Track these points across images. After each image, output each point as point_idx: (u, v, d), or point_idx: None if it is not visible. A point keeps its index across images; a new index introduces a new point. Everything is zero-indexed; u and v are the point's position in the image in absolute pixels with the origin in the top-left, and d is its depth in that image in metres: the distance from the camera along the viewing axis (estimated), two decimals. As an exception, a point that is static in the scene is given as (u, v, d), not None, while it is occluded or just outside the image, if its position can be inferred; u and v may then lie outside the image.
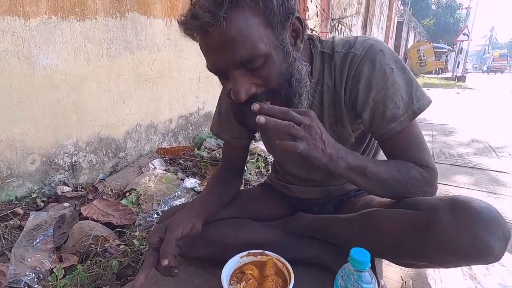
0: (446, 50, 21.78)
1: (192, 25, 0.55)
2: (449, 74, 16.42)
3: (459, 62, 14.11)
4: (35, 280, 0.88)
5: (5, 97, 1.32)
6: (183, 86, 2.31)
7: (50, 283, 0.88)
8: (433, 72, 16.89)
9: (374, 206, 0.77)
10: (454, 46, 16.74)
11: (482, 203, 0.56)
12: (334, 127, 0.77)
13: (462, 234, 0.53)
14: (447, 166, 1.94)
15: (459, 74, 13.19)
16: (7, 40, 1.30)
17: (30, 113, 1.41)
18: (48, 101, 1.48)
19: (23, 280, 0.86)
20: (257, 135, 1.19)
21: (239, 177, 0.99)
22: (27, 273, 0.88)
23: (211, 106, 2.60)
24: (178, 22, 0.58)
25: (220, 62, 0.58)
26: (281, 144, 0.52)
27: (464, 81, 12.23)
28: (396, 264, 0.74)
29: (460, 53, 13.83)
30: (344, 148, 0.61)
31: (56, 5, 1.44)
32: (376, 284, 0.55)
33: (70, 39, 1.52)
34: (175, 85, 2.23)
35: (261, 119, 0.49)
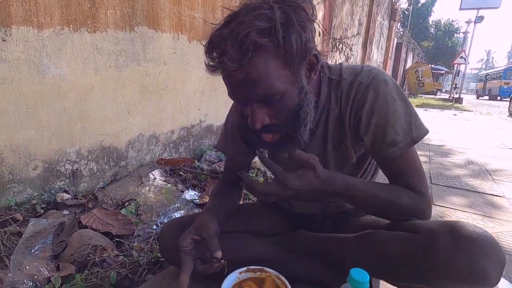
0: (444, 72, 22.27)
1: (218, 69, 0.61)
2: (446, 95, 16.72)
3: (456, 84, 14.40)
4: (33, 288, 0.88)
5: (13, 104, 1.34)
6: (187, 98, 2.35)
7: (47, 292, 0.88)
8: (431, 93, 17.19)
9: (374, 227, 0.79)
10: (452, 69, 17.13)
11: (478, 229, 0.59)
12: (337, 146, 0.81)
13: (460, 258, 0.56)
14: (444, 187, 1.96)
15: (456, 96, 13.43)
16: (20, 49, 1.34)
17: (36, 120, 1.44)
18: (55, 109, 1.50)
19: (21, 288, 0.85)
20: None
21: (239, 189, 1.02)
22: (25, 281, 0.88)
23: (213, 119, 2.64)
24: (205, 63, 0.64)
25: (240, 97, 0.65)
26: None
27: (461, 103, 12.44)
28: (395, 286, 0.76)
29: (457, 75, 14.13)
30: (336, 180, 0.67)
31: (69, 17, 1.49)
32: (374, 305, 0.56)
33: (80, 50, 1.56)
34: (179, 97, 2.27)
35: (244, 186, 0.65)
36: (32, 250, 1.03)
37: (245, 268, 0.80)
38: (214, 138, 2.69)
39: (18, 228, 1.18)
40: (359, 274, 0.56)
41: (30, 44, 1.37)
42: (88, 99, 1.64)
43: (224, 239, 0.87)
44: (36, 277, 0.92)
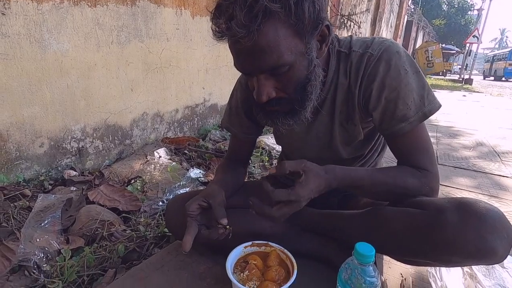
0: (455, 52, 21.52)
1: (225, 35, 0.57)
2: (455, 76, 16.26)
3: (467, 65, 13.95)
4: (44, 259, 0.91)
5: (16, 80, 1.33)
6: (190, 77, 2.31)
7: (58, 263, 0.91)
8: (440, 74, 16.71)
9: (380, 203, 0.78)
10: (463, 48, 16.54)
11: (488, 205, 0.57)
12: (344, 124, 0.79)
13: (468, 234, 0.55)
14: (451, 168, 1.94)
15: (466, 77, 13.06)
16: (20, 23, 1.30)
17: (40, 97, 1.43)
18: (58, 86, 1.49)
19: (32, 259, 0.88)
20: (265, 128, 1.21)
21: (244, 167, 1.01)
22: (36, 252, 0.90)
23: (217, 98, 2.61)
24: (212, 29, 0.59)
25: (247, 66, 0.62)
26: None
27: (471, 84, 12.12)
28: (398, 261, 0.76)
29: (469, 55, 13.65)
30: (338, 175, 0.66)
31: (68, -11, 1.44)
32: (379, 278, 0.57)
33: (81, 25, 1.52)
34: (182, 75, 2.23)
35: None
36: (42, 224, 1.05)
37: (250, 243, 0.81)
38: (218, 118, 2.67)
39: (27, 203, 1.20)
40: (364, 248, 0.56)
41: (30, 18, 1.33)
42: (91, 76, 1.62)
43: (229, 214, 0.87)
44: (46, 249, 0.94)
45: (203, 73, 2.42)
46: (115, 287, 0.80)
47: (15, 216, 1.11)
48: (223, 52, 2.53)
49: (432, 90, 0.69)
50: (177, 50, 2.13)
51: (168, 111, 2.19)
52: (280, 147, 1.06)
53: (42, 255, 0.91)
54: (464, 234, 0.55)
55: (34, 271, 0.87)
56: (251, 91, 0.66)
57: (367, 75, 0.69)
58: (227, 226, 0.67)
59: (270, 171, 0.66)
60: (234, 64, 0.65)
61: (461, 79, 13.36)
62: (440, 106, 0.69)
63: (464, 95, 7.41)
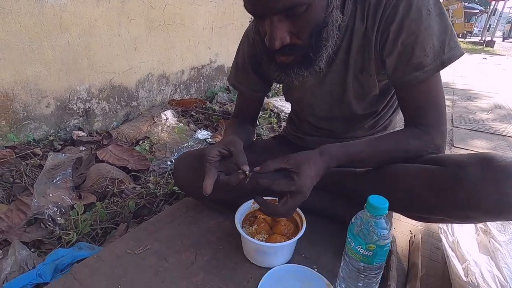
0: (478, 11, 19.96)
1: None
2: (476, 39, 15.27)
3: (490, 25, 12.99)
4: (58, 213, 0.93)
5: (15, 36, 1.28)
6: (196, 36, 2.21)
7: (72, 217, 0.93)
8: (460, 36, 15.71)
9: None
10: (487, 7, 15.31)
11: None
12: (359, 76, 0.73)
13: (490, 189, 0.52)
14: (466, 131, 1.88)
15: (488, 39, 12.24)
16: (12, -27, 1.22)
17: (41, 55, 1.38)
18: (59, 43, 1.43)
19: (46, 212, 0.90)
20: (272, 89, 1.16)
21: (252, 125, 0.98)
22: (50, 206, 0.92)
23: (224, 59, 2.51)
24: None
25: (259, 7, 0.55)
26: None
27: (492, 47, 11.39)
28: (410, 218, 0.75)
29: (493, 15, 12.66)
30: (333, 155, 0.63)
31: None
32: (392, 230, 0.55)
33: (77, -25, 1.43)
34: (187, 34, 2.13)
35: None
36: (54, 181, 1.07)
37: (259, 198, 0.81)
38: (226, 80, 2.59)
39: (38, 161, 1.22)
40: (377, 200, 0.54)
41: (23, -33, 1.25)
42: (92, 33, 1.55)
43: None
44: (59, 203, 0.96)
45: (209, 31, 2.30)
46: (128, 239, 0.82)
47: (27, 174, 1.13)
48: (229, 8, 2.38)
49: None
50: (180, 5, 2.01)
51: (174, 72, 2.12)
52: (289, 108, 1.02)
53: (56, 209, 0.93)
54: (485, 189, 0.53)
55: (49, 223, 0.90)
56: (263, 37, 0.60)
57: (386, 17, 0.62)
58: (247, 172, 0.65)
59: (255, 169, 0.63)
60: (244, 5, 0.58)
61: (482, 41, 12.54)
62: (462, 53, 0.62)
63: (485, 58, 7.00)
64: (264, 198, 0.80)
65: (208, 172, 0.66)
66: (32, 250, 0.83)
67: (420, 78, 0.61)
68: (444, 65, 0.61)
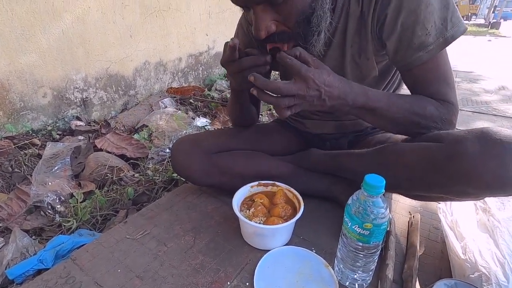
0: (483, -9, 19.38)
1: None
2: (481, 21, 14.90)
3: (495, 7, 12.64)
4: (57, 201, 0.93)
5: (7, 25, 1.26)
6: (192, 22, 2.16)
7: (72, 205, 0.94)
8: (464, 18, 15.32)
9: (392, 142, 0.74)
10: (494, -13, 14.84)
11: (511, 133, 0.52)
12: (357, 59, 0.71)
13: (489, 163, 0.51)
14: (469, 113, 1.85)
15: (493, 21, 11.93)
16: (1, -42, 1.19)
17: (35, 44, 1.36)
18: (53, 31, 1.41)
19: (46, 200, 0.91)
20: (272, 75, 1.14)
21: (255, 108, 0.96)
22: (49, 194, 0.93)
23: (222, 45, 2.47)
24: None
25: None
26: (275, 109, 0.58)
27: (498, 28, 11.12)
28: (409, 197, 0.74)
29: (499, -5, 12.31)
30: (354, 88, 0.59)
31: None
32: (388, 210, 0.55)
33: (68, -40, 1.39)
34: (183, 20, 2.08)
35: (254, 91, 0.56)
36: (53, 170, 1.07)
37: (256, 183, 0.80)
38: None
39: (37, 151, 1.22)
40: (374, 179, 0.53)
41: (11, -48, 1.21)
42: (86, 20, 1.52)
43: (236, 155, 0.86)
44: (59, 192, 0.97)
45: (206, 17, 2.26)
46: (128, 225, 0.83)
47: (26, 163, 1.14)
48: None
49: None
50: (176, -10, 1.96)
51: (171, 60, 2.09)
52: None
53: (55, 197, 0.94)
54: (485, 163, 0.51)
55: (49, 211, 0.90)
56: (252, 34, 0.58)
57: None
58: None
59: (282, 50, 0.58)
60: None
61: (487, 23, 12.24)
62: (465, 29, 0.60)
63: (490, 40, 6.85)
64: (262, 181, 0.81)
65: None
66: (33, 237, 0.84)
67: (424, 58, 0.59)
68: (447, 42, 0.59)
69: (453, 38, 0.59)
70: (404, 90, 0.75)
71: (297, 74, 0.55)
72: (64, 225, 0.87)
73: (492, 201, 0.67)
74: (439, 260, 0.68)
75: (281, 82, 0.55)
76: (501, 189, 0.53)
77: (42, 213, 0.91)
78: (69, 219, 0.89)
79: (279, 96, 0.55)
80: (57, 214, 0.91)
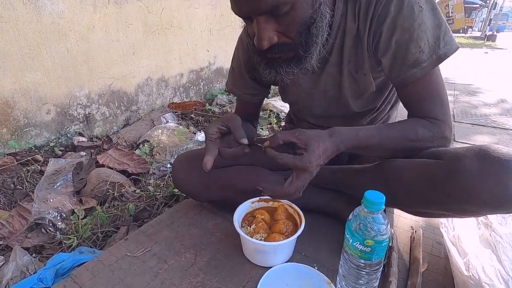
0: (478, 5, 19.82)
1: None
2: (478, 34, 15.15)
3: (490, 20, 12.89)
4: (58, 218, 0.93)
5: (14, 44, 1.30)
6: (194, 39, 2.22)
7: (73, 222, 0.93)
8: (460, 31, 15.60)
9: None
10: (487, 1, 15.20)
11: (509, 150, 0.53)
12: (354, 75, 0.72)
13: (487, 181, 0.51)
14: (468, 125, 1.86)
15: (489, 33, 12.14)
16: (10, -18, 1.24)
17: (40, 62, 1.40)
18: (57, 50, 1.45)
19: (47, 217, 0.91)
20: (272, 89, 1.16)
21: (253, 124, 0.98)
22: (50, 211, 0.93)
23: (223, 61, 2.52)
24: None
25: (244, 7, 0.55)
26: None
27: (494, 41, 11.31)
28: (410, 213, 0.74)
29: (494, 9, 12.58)
30: (344, 134, 0.61)
31: None
32: (389, 225, 0.55)
33: (74, -17, 1.44)
34: (185, 37, 2.14)
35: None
36: (55, 186, 1.07)
37: (257, 198, 0.80)
38: (224, 82, 2.60)
39: (39, 167, 1.23)
40: (374, 195, 0.53)
41: (20, -24, 1.26)
42: (90, 39, 1.56)
43: (237, 170, 0.86)
44: (60, 208, 0.97)
45: (207, 34, 2.31)
46: (128, 242, 0.82)
47: (28, 180, 1.14)
48: (227, 10, 2.39)
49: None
50: (178, 9, 2.02)
51: (173, 76, 2.13)
52: (289, 108, 1.01)
53: (56, 214, 0.94)
54: (483, 181, 0.52)
55: (50, 228, 0.90)
56: (252, 39, 0.61)
57: (377, 16, 0.62)
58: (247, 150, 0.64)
59: (264, 144, 0.61)
60: (231, 8, 0.58)
61: (483, 36, 12.45)
62: (457, 47, 0.62)
63: (486, 52, 6.95)
64: (262, 197, 0.81)
65: (208, 150, 0.64)
66: (34, 255, 0.83)
67: (418, 75, 0.61)
68: (440, 59, 0.60)
69: (446, 56, 0.61)
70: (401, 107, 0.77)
71: (295, 168, 0.57)
72: (65, 243, 0.86)
73: (493, 216, 0.67)
74: (443, 276, 0.67)
75: (288, 185, 0.58)
76: (499, 207, 0.53)
77: (43, 230, 0.91)
78: (70, 236, 0.88)
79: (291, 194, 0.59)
80: (58, 231, 0.91)
